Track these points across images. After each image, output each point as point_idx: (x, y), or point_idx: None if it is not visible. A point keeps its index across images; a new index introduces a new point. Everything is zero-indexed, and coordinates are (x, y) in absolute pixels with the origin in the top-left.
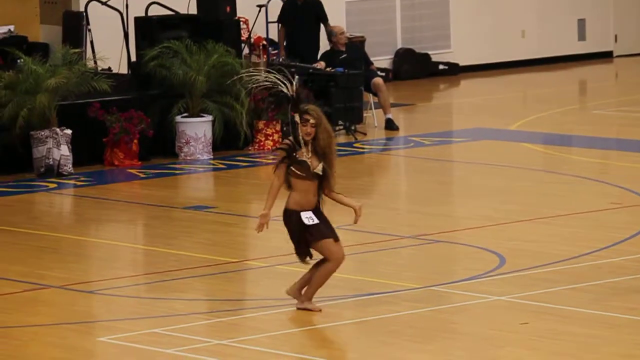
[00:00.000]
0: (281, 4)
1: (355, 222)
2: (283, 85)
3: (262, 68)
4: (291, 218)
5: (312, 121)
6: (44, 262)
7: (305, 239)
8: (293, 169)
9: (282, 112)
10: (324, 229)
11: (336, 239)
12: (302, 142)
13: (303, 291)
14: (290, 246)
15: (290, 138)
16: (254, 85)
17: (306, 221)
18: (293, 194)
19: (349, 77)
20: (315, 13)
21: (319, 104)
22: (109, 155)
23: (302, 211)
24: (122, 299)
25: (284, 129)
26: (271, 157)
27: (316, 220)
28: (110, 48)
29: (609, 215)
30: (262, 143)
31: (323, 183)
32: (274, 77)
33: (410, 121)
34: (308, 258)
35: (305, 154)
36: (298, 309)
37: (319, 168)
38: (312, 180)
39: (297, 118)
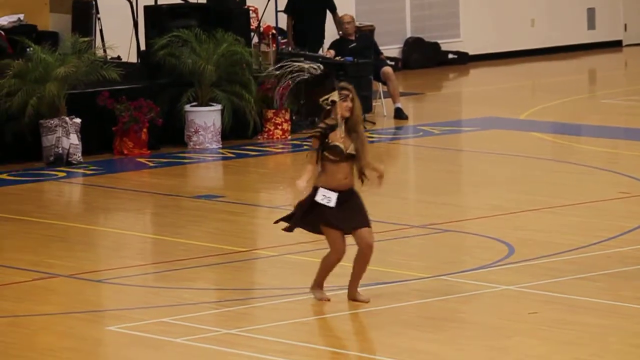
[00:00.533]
0: None
1: (378, 183)
2: (314, 69)
3: (271, 62)
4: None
5: (351, 95)
6: (53, 251)
7: (312, 214)
8: (326, 154)
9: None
10: (333, 215)
11: (346, 232)
12: (339, 121)
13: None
14: (299, 235)
15: (324, 123)
16: (287, 75)
17: (319, 198)
18: (322, 174)
19: (358, 66)
20: (324, 3)
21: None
22: (118, 144)
23: (326, 189)
24: (131, 288)
25: (294, 118)
26: (280, 146)
27: (331, 204)
28: (119, 37)
29: (617, 205)
30: (271, 132)
31: (356, 162)
32: (302, 63)
33: (420, 110)
34: (293, 230)
35: (339, 135)
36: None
37: (351, 148)
38: (346, 162)
39: (334, 97)
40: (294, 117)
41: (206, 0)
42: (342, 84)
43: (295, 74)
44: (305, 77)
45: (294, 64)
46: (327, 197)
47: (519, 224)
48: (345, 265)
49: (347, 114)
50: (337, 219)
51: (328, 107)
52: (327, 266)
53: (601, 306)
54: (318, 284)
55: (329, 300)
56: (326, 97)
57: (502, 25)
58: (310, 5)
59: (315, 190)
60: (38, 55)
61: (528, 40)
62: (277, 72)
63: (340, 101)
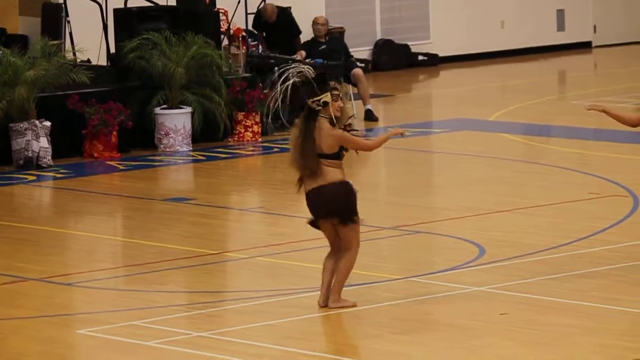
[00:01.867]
0: None
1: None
2: (308, 71)
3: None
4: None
5: (340, 95)
6: (23, 254)
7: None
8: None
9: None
10: None
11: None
12: (334, 121)
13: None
14: (270, 238)
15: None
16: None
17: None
18: (340, 169)
19: (329, 68)
20: (288, 27)
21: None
22: (88, 147)
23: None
24: (102, 291)
25: (264, 120)
26: (251, 148)
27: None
28: (89, 40)
29: (588, 205)
30: (241, 134)
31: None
32: (297, 66)
33: (390, 112)
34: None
35: None
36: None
37: None
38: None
39: (327, 98)
40: (264, 120)
41: (176, 2)
42: (332, 84)
43: (296, 76)
44: (302, 79)
45: (293, 67)
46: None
47: (490, 225)
48: (315, 267)
49: (338, 114)
50: None
51: (319, 108)
52: (352, 266)
53: (571, 307)
54: (340, 292)
55: (354, 305)
56: (318, 98)
57: (472, 26)
58: (276, 30)
59: (347, 184)
60: (7, 59)
61: (498, 41)
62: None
63: (332, 101)
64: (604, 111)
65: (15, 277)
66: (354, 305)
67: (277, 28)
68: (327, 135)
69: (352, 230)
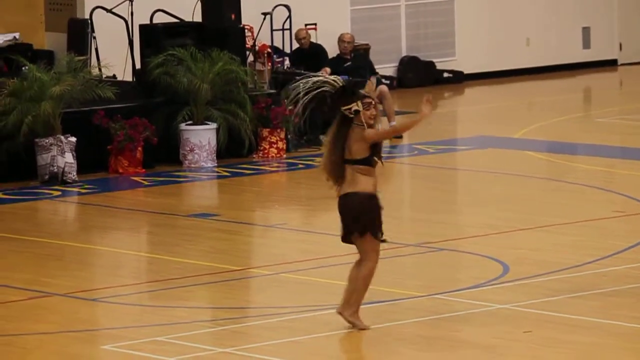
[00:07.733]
0: (286, 12)
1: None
2: (331, 83)
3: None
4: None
5: (374, 103)
6: (47, 269)
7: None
8: (375, 158)
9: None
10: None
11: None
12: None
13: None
14: (295, 253)
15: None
16: (302, 93)
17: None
18: (366, 179)
19: (354, 85)
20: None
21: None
22: (113, 163)
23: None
24: (126, 306)
25: (289, 137)
26: (275, 164)
27: None
28: (115, 55)
29: (612, 224)
30: (266, 151)
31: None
32: (316, 79)
33: (414, 129)
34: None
35: None
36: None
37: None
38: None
39: (357, 106)
40: (289, 136)
41: (202, 19)
42: (365, 92)
43: (319, 88)
44: (328, 89)
45: (315, 78)
46: None
47: (514, 242)
48: (339, 284)
49: (371, 122)
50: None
51: (351, 116)
52: (369, 277)
53: (596, 325)
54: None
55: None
56: (349, 106)
57: (497, 44)
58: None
59: (374, 197)
60: (33, 74)
61: (523, 59)
62: (299, 89)
63: (364, 110)
64: None
65: (39, 292)
66: (365, 328)
67: (311, 56)
68: (356, 140)
69: (369, 242)
